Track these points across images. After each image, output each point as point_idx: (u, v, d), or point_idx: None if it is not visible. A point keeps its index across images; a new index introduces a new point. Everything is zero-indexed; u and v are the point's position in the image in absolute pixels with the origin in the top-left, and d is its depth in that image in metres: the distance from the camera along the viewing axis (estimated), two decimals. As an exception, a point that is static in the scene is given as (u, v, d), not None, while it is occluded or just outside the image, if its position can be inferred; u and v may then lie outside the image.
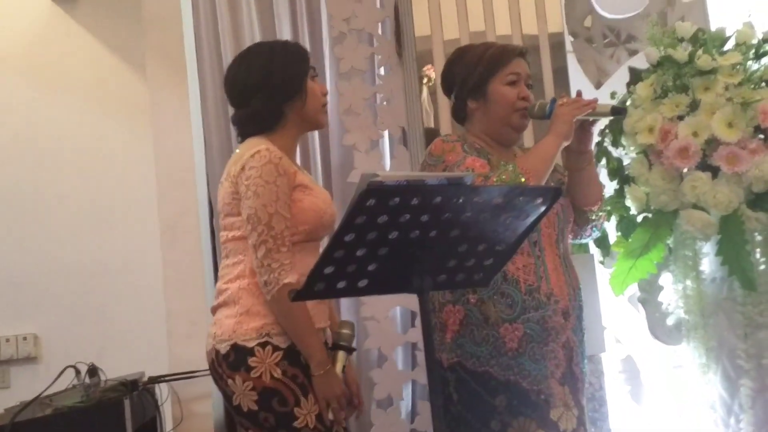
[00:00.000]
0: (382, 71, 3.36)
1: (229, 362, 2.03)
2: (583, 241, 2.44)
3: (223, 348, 2.04)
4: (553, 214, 2.22)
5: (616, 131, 2.74)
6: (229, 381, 2.02)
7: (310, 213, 2.08)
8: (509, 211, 1.79)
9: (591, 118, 2.15)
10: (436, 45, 3.30)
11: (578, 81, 3.26)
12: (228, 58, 3.54)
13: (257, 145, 2.08)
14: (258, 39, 3.59)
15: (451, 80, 2.31)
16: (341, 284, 1.74)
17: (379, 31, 3.37)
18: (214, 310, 2.13)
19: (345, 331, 2.10)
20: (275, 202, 2.02)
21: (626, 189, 2.70)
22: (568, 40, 3.44)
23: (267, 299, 2.01)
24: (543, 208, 1.83)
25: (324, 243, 2.14)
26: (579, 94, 2.20)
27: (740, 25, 2.74)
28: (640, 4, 3.45)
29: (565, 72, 3.33)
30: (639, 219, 2.75)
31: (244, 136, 2.18)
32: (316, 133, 3.52)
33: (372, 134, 3.26)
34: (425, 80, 5.98)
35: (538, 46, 3.28)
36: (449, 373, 2.15)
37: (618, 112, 2.12)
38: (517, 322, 2.13)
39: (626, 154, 2.78)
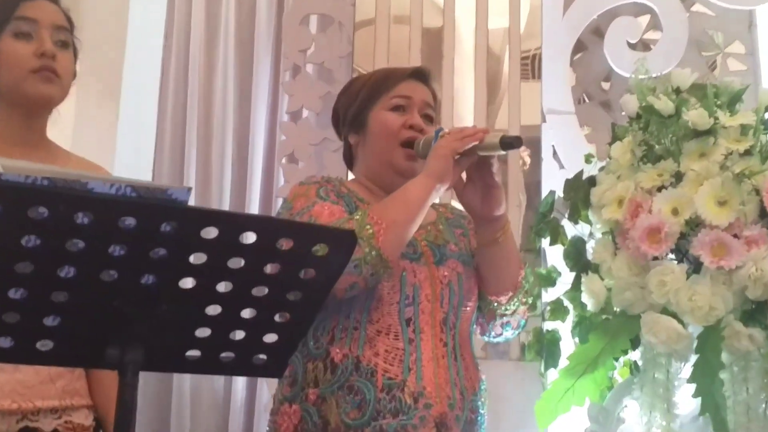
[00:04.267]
0: (339, 115, 2.84)
1: None
2: (495, 340, 1.78)
3: None
4: (441, 285, 1.62)
5: (577, 200, 2.08)
6: None
7: None
8: (276, 259, 1.21)
9: (482, 154, 1.54)
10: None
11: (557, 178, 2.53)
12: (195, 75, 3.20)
13: None
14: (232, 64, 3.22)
15: (337, 115, 1.83)
16: (5, 342, 1.18)
17: (342, 69, 2.86)
18: None
19: None
20: None
21: (583, 278, 2.01)
22: (573, 103, 2.80)
23: None
24: (337, 263, 1.24)
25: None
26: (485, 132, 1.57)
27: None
28: (666, 63, 2.78)
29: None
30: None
31: None
32: (226, 177, 3.00)
33: (314, 187, 2.73)
34: (521, 163, 5.56)
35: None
36: None
37: (509, 144, 1.49)
38: (365, 430, 1.51)
39: (591, 234, 2.10)
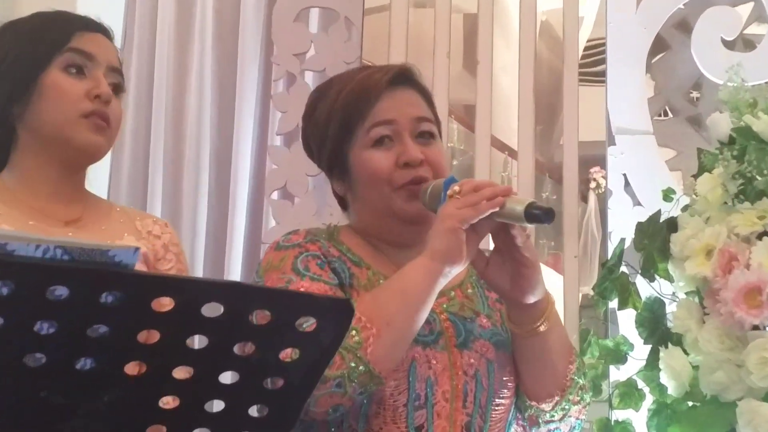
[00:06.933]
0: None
1: None
2: None
3: None
4: (465, 377, 1.61)
5: (653, 250, 2.11)
6: None
7: None
8: (249, 336, 1.25)
9: (502, 221, 1.54)
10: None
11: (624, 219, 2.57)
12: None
13: None
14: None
15: (308, 148, 1.82)
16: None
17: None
18: None
19: None
20: None
21: (662, 353, 2.04)
22: (650, 120, 2.82)
23: None
24: (328, 340, 1.29)
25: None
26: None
27: None
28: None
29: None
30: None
31: None
32: (201, 218, 3.06)
33: (309, 230, 2.79)
34: (592, 185, 5.49)
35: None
36: None
37: (536, 216, 1.49)
38: None
39: (673, 293, 2.14)
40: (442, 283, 1.54)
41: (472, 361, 1.62)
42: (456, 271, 1.54)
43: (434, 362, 1.59)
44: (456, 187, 1.55)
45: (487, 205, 1.51)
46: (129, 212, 1.86)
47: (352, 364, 1.47)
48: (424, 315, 1.54)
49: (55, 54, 1.69)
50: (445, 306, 1.66)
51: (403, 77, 1.71)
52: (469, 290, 1.72)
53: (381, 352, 1.49)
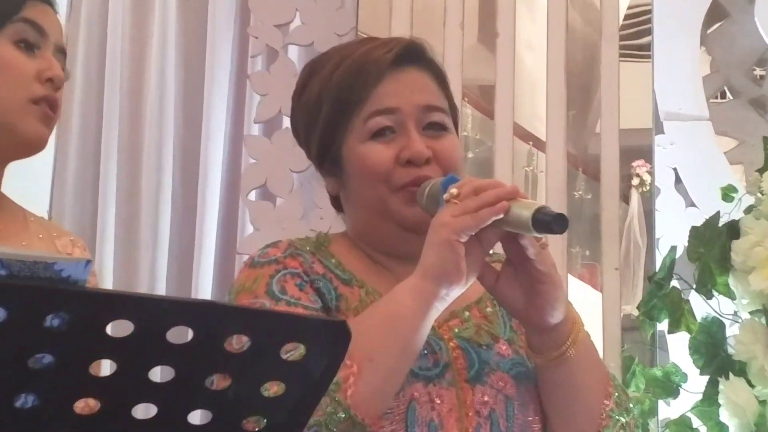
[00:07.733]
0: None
1: None
2: None
3: None
4: (478, 418, 1.61)
5: (710, 260, 2.13)
6: None
7: None
8: (224, 367, 1.27)
9: (509, 230, 1.54)
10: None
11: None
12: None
13: None
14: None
15: (297, 134, 1.83)
16: None
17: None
18: None
19: None
20: None
21: (721, 384, 2.06)
22: (705, 103, 2.84)
23: None
24: (319, 370, 1.30)
25: None
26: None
27: None
28: None
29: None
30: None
31: None
32: (163, 224, 3.08)
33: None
34: (635, 182, 5.52)
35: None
36: None
37: (546, 224, 1.46)
38: None
39: (735, 313, 2.16)
40: (438, 307, 1.53)
41: (486, 398, 1.62)
42: (455, 292, 1.54)
43: (438, 401, 1.60)
44: (453, 190, 1.54)
45: (488, 212, 1.50)
46: (45, 225, 1.86)
47: (330, 410, 1.47)
48: (416, 347, 1.54)
49: (5, 22, 1.68)
50: (456, 331, 1.66)
51: (411, 55, 1.70)
52: (489, 309, 1.71)
53: (364, 394, 1.49)
